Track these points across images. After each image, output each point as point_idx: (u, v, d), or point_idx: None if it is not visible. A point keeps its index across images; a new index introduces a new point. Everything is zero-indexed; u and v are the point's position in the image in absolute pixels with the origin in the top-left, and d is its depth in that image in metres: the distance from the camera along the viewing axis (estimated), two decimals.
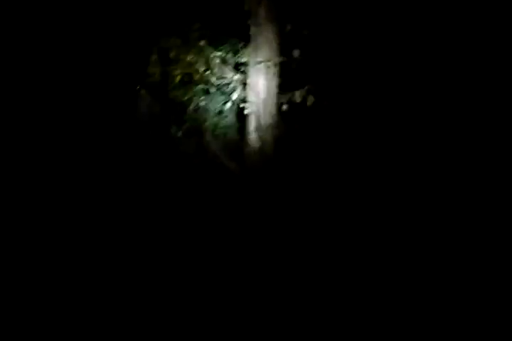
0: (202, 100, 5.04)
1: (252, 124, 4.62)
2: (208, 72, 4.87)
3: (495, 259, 3.83)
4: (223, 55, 4.80)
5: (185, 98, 5.14)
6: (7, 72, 4.29)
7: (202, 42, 4.85)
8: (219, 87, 4.95)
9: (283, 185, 4.57)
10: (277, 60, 4.52)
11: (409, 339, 3.15)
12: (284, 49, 4.54)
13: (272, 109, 4.63)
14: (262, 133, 4.55)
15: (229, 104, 4.88)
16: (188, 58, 4.89)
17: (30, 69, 4.32)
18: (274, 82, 4.59)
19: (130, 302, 3.28)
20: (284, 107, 4.69)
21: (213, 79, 4.90)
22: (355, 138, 4.81)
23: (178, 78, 5.06)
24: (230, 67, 4.83)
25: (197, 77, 4.95)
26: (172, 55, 4.94)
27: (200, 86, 5.04)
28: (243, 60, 4.73)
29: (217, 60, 4.79)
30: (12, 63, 4.26)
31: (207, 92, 5.06)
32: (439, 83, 4.61)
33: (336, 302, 3.48)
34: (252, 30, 4.48)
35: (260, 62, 4.52)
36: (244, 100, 4.76)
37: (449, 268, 3.83)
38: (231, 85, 4.85)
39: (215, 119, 5.16)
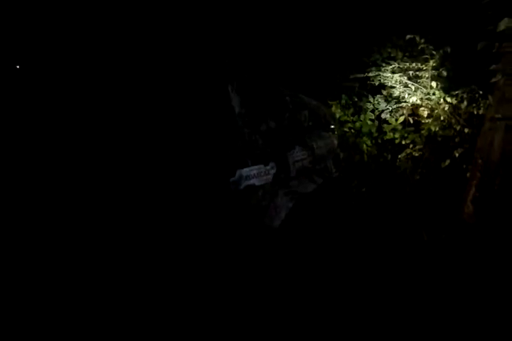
0: (416, 150, 4.28)
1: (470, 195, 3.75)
2: (431, 119, 4.11)
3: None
4: (455, 102, 3.93)
5: (403, 142, 4.48)
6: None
7: (433, 83, 4.08)
8: (442, 139, 4.12)
9: None
10: None
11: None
12: None
13: (503, 182, 3.63)
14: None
15: (447, 161, 4.01)
16: (415, 99, 4.22)
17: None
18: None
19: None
20: None
21: (436, 129, 4.10)
22: None
23: (401, 119, 4.45)
24: (461, 117, 3.94)
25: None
26: (396, 93, 4.34)
27: (423, 132, 4.30)
28: (479, 112, 3.78)
29: (447, 107, 3.97)
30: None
31: (427, 141, 4.28)
32: None
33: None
34: (500, 78, 3.48)
35: (501, 119, 3.53)
36: (467, 160, 3.86)
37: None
38: (456, 139, 3.97)
39: None
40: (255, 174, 3.01)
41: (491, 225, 3.81)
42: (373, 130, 4.74)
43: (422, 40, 4.06)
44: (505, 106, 3.56)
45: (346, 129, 4.74)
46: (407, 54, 4.27)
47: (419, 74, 4.17)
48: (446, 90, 4.06)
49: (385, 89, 4.52)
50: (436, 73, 4.10)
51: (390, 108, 4.49)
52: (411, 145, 4.42)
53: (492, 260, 3.68)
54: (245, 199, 2.95)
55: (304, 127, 3.47)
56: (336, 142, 3.81)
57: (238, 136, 2.97)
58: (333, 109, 4.67)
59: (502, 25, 3.24)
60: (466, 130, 3.95)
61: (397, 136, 4.52)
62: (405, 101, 4.28)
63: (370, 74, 4.48)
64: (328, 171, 3.63)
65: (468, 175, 3.93)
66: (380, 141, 4.67)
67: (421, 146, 4.27)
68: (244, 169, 2.96)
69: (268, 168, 3.09)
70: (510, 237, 3.74)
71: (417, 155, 4.32)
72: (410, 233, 3.73)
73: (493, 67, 3.47)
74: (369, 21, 4.62)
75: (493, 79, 3.54)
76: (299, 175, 3.29)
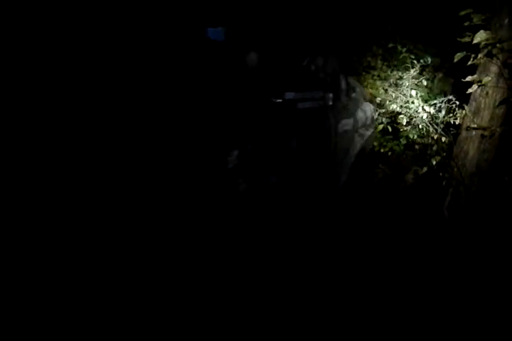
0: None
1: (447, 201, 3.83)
2: (409, 127, 4.19)
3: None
4: (433, 111, 4.01)
5: (382, 150, 4.56)
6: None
7: (413, 92, 4.16)
8: (420, 148, 4.20)
9: None
10: (498, 130, 3.52)
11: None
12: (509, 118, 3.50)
13: (477, 189, 3.72)
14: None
15: (425, 169, 4.08)
16: (394, 106, 4.30)
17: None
18: (487, 156, 3.63)
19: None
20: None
21: (414, 137, 4.18)
22: None
23: (380, 127, 4.52)
24: (438, 126, 4.02)
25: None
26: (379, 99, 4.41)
27: (402, 140, 4.38)
28: (456, 121, 3.86)
29: (425, 116, 4.05)
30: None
31: (405, 148, 4.37)
32: None
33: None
34: (475, 89, 3.57)
35: (476, 129, 3.62)
36: (444, 168, 3.94)
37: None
38: (434, 148, 4.06)
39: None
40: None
41: (466, 232, 3.89)
42: None
43: (404, 49, 4.15)
44: (480, 117, 3.66)
45: None
46: (386, 63, 4.36)
47: (400, 83, 4.26)
48: (425, 99, 4.14)
49: None
50: (415, 82, 4.19)
51: None
52: (389, 153, 4.51)
53: (466, 265, 3.75)
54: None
55: (356, 100, 4.04)
56: (373, 110, 4.34)
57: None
58: None
59: (478, 37, 3.33)
60: (443, 139, 4.03)
61: (376, 143, 4.60)
62: (385, 109, 4.36)
63: None
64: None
65: (444, 182, 4.01)
66: None
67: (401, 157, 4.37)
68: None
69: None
70: (483, 244, 3.83)
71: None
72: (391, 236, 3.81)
73: (468, 78, 3.56)
74: (351, 32, 4.70)
75: (470, 90, 3.63)
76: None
